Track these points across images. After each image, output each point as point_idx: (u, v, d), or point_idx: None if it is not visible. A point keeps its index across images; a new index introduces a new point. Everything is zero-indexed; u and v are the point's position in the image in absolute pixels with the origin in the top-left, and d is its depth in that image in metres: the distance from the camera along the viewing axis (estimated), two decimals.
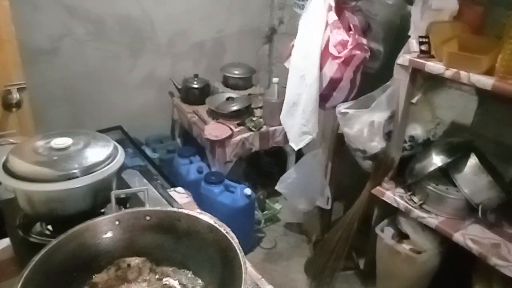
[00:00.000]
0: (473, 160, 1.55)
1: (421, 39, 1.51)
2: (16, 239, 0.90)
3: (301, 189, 2.19)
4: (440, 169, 1.59)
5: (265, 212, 2.51)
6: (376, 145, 1.73)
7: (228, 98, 2.43)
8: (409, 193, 1.69)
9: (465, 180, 1.54)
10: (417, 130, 1.81)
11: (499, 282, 1.45)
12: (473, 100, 1.77)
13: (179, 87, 2.59)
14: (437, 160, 1.60)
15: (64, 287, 0.71)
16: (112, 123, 2.42)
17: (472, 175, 1.54)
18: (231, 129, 2.27)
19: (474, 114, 1.78)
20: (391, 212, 1.81)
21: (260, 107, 2.48)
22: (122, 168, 0.96)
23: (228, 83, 2.67)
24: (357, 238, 1.91)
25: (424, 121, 1.82)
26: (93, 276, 0.76)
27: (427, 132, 1.83)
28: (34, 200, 0.87)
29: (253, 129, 2.32)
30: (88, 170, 0.86)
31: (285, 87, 2.00)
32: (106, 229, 0.78)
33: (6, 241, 0.93)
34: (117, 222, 0.79)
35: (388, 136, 1.74)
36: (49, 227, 0.92)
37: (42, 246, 0.69)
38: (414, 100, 1.75)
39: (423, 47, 1.51)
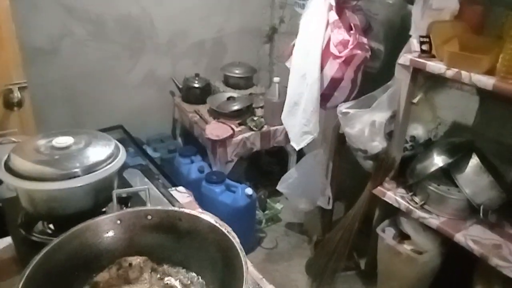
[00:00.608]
0: (474, 160, 1.54)
1: (422, 39, 1.51)
2: (17, 238, 0.91)
3: (302, 189, 2.19)
4: (441, 169, 1.58)
5: (266, 212, 2.51)
6: (377, 145, 1.73)
7: (229, 98, 2.43)
8: (410, 194, 1.69)
9: (466, 180, 1.54)
10: (418, 130, 1.81)
11: (500, 283, 1.45)
12: (474, 100, 1.77)
13: (180, 86, 2.59)
14: (438, 160, 1.59)
15: (66, 286, 0.71)
16: (113, 123, 2.42)
17: (473, 175, 1.53)
18: (232, 128, 2.27)
19: (475, 114, 1.78)
20: (392, 213, 1.81)
21: (261, 107, 2.48)
22: (124, 167, 0.96)
23: (229, 82, 2.66)
24: (358, 239, 1.91)
25: (425, 121, 1.82)
26: (94, 276, 0.75)
27: (428, 132, 1.83)
28: (35, 199, 0.87)
29: (254, 128, 2.32)
30: (90, 169, 0.86)
31: (286, 87, 2.00)
32: (107, 228, 0.78)
33: (7, 240, 0.93)
34: (118, 221, 0.79)
35: (389, 136, 1.74)
36: (51, 226, 0.93)
37: (44, 245, 0.69)
38: (415, 100, 1.75)
39: (424, 47, 1.51)
